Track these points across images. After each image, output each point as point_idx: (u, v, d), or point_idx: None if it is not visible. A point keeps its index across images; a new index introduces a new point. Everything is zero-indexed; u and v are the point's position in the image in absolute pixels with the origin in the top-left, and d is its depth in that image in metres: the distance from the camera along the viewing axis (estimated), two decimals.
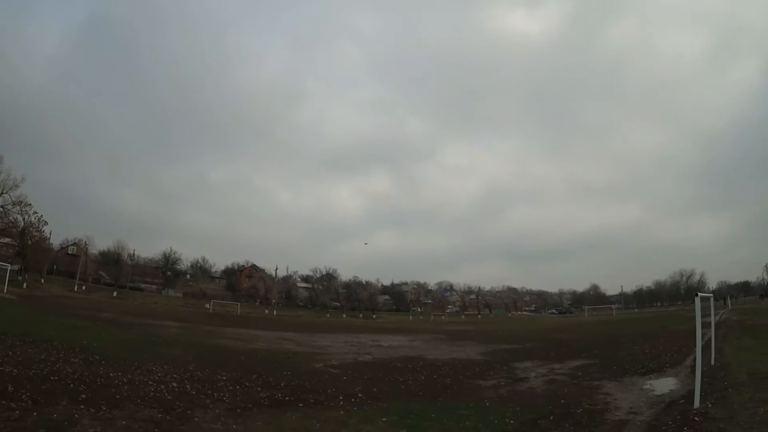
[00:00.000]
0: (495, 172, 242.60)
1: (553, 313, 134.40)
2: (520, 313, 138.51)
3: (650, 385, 16.56)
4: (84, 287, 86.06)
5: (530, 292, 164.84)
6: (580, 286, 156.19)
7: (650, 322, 57.96)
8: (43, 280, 79.69)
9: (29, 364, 14.42)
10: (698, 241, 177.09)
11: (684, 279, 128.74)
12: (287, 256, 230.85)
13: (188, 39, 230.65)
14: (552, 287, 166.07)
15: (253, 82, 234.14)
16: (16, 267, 68.90)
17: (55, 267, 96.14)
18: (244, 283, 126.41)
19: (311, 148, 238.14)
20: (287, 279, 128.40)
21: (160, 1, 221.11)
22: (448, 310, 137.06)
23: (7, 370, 13.14)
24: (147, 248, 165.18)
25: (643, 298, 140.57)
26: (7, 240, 79.13)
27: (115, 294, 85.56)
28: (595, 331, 49.16)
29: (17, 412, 9.35)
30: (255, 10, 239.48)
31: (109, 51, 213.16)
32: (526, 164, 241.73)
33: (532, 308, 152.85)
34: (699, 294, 12.95)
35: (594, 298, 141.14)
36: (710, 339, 19.18)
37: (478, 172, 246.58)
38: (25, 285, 66.31)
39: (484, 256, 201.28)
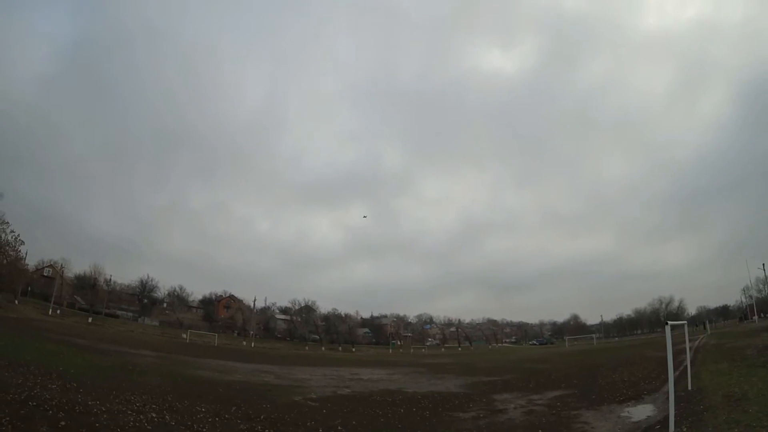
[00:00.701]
0: (470, 203, 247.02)
1: (533, 344, 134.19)
2: (500, 344, 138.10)
3: (627, 412, 16.76)
4: (59, 311, 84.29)
5: (510, 324, 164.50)
6: (561, 317, 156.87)
7: (629, 350, 58.36)
8: (17, 302, 77.99)
9: (6, 387, 14.25)
10: (672, 268, 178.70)
11: (663, 306, 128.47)
12: (265, 287, 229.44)
13: (173, 65, 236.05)
14: (532, 318, 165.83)
15: (235, 111, 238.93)
16: None
17: (29, 288, 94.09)
18: (221, 313, 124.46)
19: (291, 178, 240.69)
20: (265, 310, 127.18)
21: (146, 27, 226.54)
22: (428, 343, 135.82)
23: None
24: (124, 273, 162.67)
25: (623, 326, 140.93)
26: None
27: (90, 320, 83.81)
28: (574, 361, 49.34)
29: None
30: (239, 40, 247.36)
31: (93, 75, 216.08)
32: (500, 195, 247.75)
33: (513, 340, 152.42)
34: (669, 323, 13.26)
35: (574, 328, 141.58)
36: (687, 364, 19.53)
37: (454, 204, 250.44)
38: None
39: (463, 287, 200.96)
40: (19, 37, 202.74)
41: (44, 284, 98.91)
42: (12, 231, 75.77)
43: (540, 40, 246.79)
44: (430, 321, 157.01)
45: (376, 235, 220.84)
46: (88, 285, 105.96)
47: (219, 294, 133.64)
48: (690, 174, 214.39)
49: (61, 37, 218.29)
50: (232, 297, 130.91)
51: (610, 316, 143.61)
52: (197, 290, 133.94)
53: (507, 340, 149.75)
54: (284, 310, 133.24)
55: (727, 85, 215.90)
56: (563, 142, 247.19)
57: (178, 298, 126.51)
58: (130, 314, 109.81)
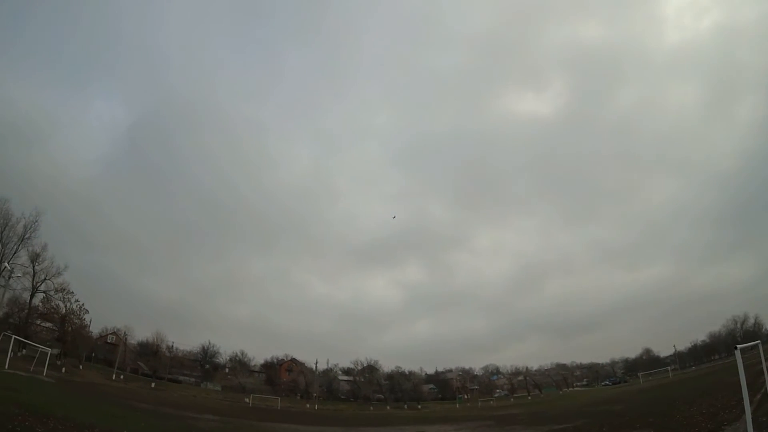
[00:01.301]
0: (523, 248, 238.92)
1: (606, 384, 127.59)
2: (571, 389, 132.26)
3: None
4: (122, 376, 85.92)
5: (580, 366, 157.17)
6: (632, 352, 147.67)
7: (707, 378, 55.41)
8: (81, 366, 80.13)
9: None
10: (739, 282, 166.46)
11: (738, 325, 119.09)
12: (327, 349, 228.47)
13: (227, 141, 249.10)
14: (602, 357, 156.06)
15: (287, 182, 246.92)
16: (55, 351, 70.19)
17: (93, 354, 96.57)
18: (283, 376, 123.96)
19: (345, 241, 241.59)
20: (328, 372, 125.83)
21: (200, 106, 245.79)
22: (496, 395, 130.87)
23: None
24: (185, 340, 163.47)
25: (698, 353, 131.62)
26: (48, 325, 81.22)
27: (153, 385, 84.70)
28: (649, 398, 46.92)
29: None
30: (284, 116, 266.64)
31: (152, 149, 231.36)
32: (551, 237, 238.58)
33: (584, 382, 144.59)
34: (739, 347, 12.39)
35: (647, 362, 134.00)
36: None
37: (507, 251, 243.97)
38: (63, 370, 66.63)
39: (527, 334, 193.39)
40: (81, 122, 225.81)
41: (108, 350, 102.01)
42: (77, 300, 79.15)
43: (567, 78, 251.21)
44: (497, 371, 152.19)
45: (433, 290, 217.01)
46: (150, 351, 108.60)
47: (280, 357, 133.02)
48: (738, 183, 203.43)
49: (118, 122, 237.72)
50: (293, 360, 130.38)
51: (683, 345, 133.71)
52: (258, 355, 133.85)
53: (578, 384, 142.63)
54: (347, 371, 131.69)
55: (757, 85, 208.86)
56: (607, 174, 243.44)
57: (239, 363, 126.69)
58: (193, 379, 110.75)
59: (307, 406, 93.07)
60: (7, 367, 43.99)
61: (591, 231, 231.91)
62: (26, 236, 69.72)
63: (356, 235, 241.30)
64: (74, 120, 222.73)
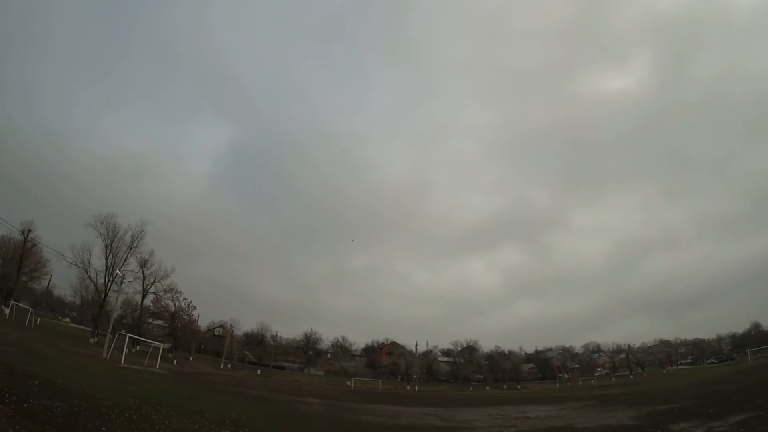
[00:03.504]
0: (623, 226, 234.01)
1: (712, 362, 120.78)
2: (675, 367, 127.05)
3: None
4: (230, 365, 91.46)
5: (685, 343, 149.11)
6: (740, 327, 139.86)
7: None
8: (191, 358, 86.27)
9: None
10: None
11: None
12: (427, 332, 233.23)
13: (330, 153, 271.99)
14: (708, 333, 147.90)
15: (388, 181, 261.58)
16: (167, 346, 76.19)
17: (202, 346, 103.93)
18: (384, 360, 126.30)
19: (445, 232, 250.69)
20: (428, 354, 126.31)
21: (301, 127, 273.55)
22: (597, 374, 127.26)
23: None
24: (289, 330, 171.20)
25: None
26: (159, 322, 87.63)
27: (259, 372, 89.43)
28: (760, 377, 44.57)
29: None
30: (380, 123, 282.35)
31: (256, 171, 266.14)
32: (653, 213, 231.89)
33: (689, 360, 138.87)
34: None
35: (757, 338, 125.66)
36: None
37: (606, 230, 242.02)
38: (175, 362, 71.31)
39: (629, 311, 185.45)
40: (190, 147, 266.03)
41: (216, 342, 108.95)
42: (185, 298, 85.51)
43: (647, 50, 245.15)
44: (598, 349, 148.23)
45: (532, 271, 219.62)
46: (255, 341, 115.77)
47: (381, 342, 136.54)
48: None
49: (221, 147, 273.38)
50: (394, 343, 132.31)
51: None
52: (360, 340, 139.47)
53: (682, 362, 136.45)
54: (446, 353, 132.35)
55: None
56: (699, 141, 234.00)
57: (341, 348, 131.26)
58: (296, 365, 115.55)
59: (407, 387, 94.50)
60: (123, 362, 47.25)
61: (693, 203, 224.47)
62: (134, 245, 74.95)
63: (455, 226, 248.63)
64: (180, 150, 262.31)
